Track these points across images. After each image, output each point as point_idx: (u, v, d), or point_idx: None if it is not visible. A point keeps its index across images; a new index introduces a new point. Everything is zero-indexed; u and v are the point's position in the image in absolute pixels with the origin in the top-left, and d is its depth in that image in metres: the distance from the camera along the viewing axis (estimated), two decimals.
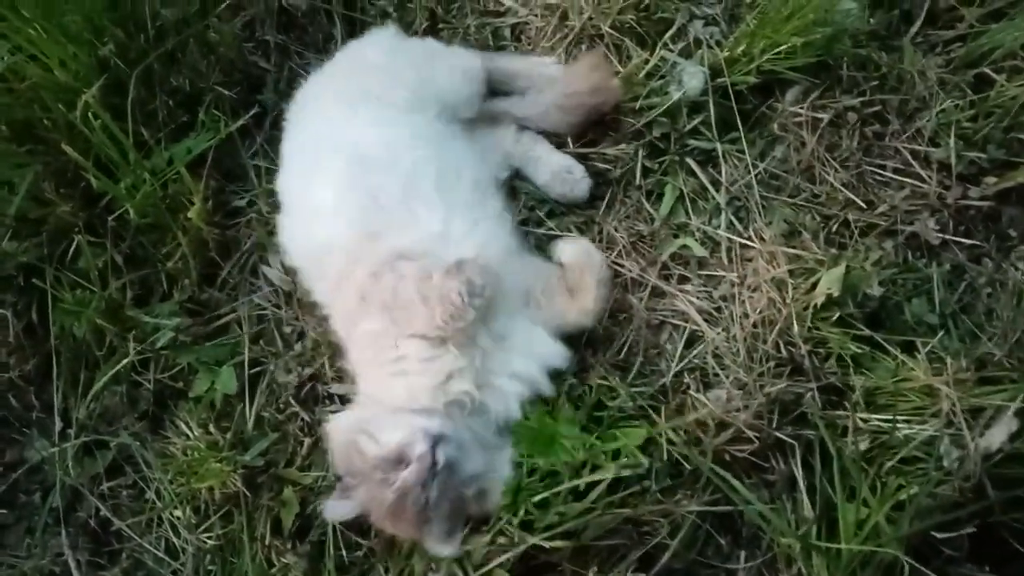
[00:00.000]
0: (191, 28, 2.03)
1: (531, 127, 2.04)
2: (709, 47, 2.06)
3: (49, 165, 1.94)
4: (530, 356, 1.73)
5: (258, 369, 1.93)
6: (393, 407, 1.63)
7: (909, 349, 1.80)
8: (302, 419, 1.89)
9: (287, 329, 1.96)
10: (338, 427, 1.70)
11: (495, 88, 2.07)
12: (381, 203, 1.71)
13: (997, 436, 1.59)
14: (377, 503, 1.58)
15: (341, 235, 1.71)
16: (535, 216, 2.03)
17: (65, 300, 1.89)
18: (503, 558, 1.62)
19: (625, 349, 1.91)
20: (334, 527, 1.78)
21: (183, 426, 1.87)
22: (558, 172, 2.01)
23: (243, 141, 2.09)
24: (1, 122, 1.92)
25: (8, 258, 1.93)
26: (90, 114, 1.76)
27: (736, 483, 1.66)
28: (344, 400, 1.89)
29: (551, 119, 2.03)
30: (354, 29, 2.20)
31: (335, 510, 1.66)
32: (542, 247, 1.96)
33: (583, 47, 2.14)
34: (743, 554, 1.78)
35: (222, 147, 2.02)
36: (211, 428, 1.85)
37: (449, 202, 1.75)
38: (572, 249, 1.87)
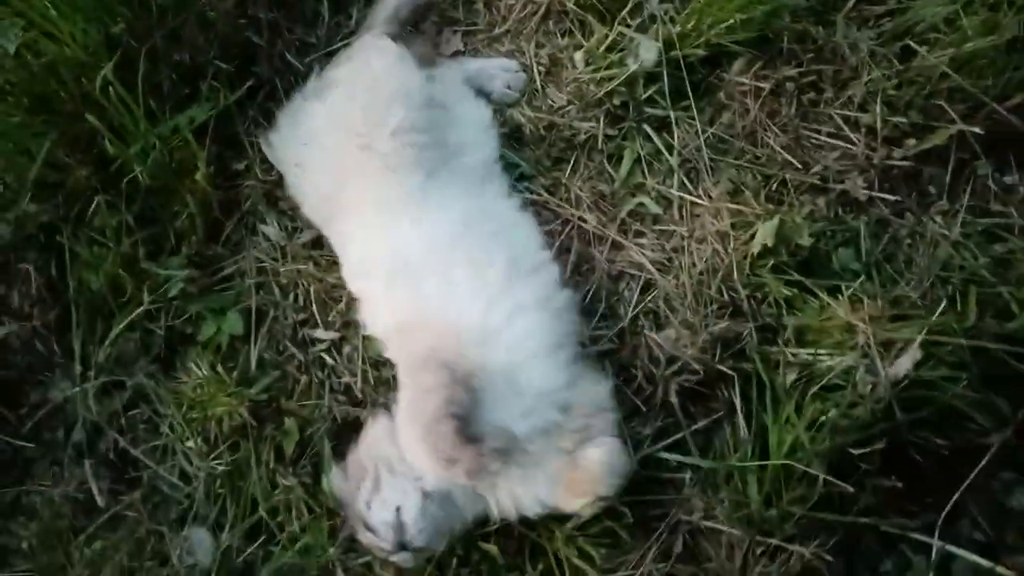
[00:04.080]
0: (191, 7, 2.20)
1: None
2: (663, 23, 2.23)
3: (65, 134, 2.10)
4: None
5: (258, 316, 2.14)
6: (398, 468, 1.79)
7: (835, 292, 2.00)
8: (298, 360, 2.10)
9: (283, 280, 2.16)
10: (370, 439, 1.88)
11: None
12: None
13: (904, 365, 1.83)
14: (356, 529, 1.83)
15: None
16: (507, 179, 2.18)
17: (84, 256, 2.09)
18: None
19: (589, 296, 2.11)
20: (329, 455, 2.02)
21: (193, 366, 2.07)
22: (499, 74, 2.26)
23: (238, 109, 2.25)
24: (20, 95, 2.08)
25: (30, 218, 2.10)
26: (107, 87, 1.94)
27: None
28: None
29: None
30: (340, 7, 2.38)
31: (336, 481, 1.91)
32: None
33: (550, 23, 2.35)
34: (689, 473, 2.01)
35: (220, 115, 2.18)
36: (218, 368, 2.05)
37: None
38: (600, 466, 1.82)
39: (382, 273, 1.89)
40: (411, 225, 1.89)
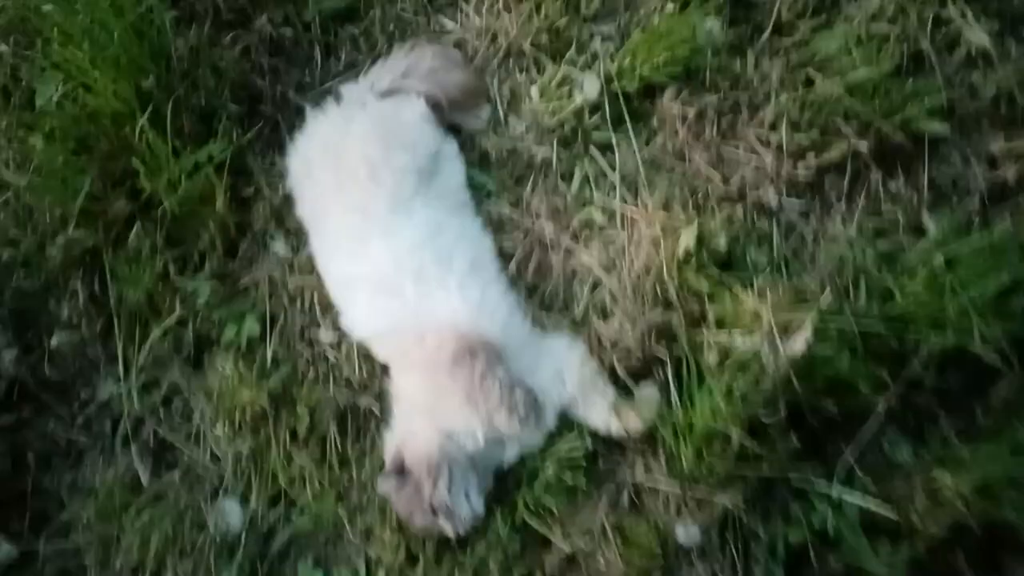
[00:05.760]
0: (204, 57, 2.54)
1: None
2: (604, 61, 2.59)
3: (103, 171, 2.45)
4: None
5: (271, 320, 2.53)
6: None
7: (748, 285, 2.36)
8: (306, 356, 2.49)
9: (291, 289, 2.54)
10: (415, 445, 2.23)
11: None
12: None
13: (798, 343, 2.21)
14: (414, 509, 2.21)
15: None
16: (476, 196, 2.54)
17: (123, 273, 2.46)
18: None
19: (547, 294, 2.51)
20: (334, 434, 2.43)
21: (219, 364, 2.45)
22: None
23: (247, 142, 2.60)
24: (65, 139, 2.43)
25: (76, 243, 2.46)
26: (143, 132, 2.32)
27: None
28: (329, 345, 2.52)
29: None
30: (329, 52, 2.76)
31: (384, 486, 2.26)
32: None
33: (511, 61, 2.72)
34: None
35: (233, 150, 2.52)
36: (240, 365, 2.43)
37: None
38: (649, 409, 2.33)
39: (365, 284, 2.31)
40: (389, 237, 2.29)
